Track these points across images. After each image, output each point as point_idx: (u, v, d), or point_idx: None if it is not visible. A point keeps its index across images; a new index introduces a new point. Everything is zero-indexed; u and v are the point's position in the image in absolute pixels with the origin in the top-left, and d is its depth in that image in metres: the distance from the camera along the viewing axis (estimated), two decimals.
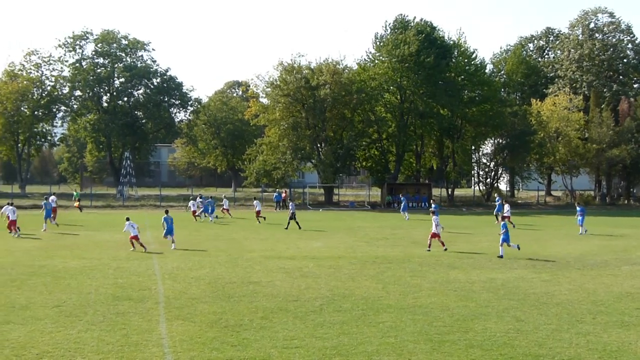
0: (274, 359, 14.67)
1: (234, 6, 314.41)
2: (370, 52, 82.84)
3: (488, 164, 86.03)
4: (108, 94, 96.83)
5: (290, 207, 48.86)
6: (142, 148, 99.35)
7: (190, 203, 57.64)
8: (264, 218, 53.03)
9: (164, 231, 35.68)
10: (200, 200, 59.06)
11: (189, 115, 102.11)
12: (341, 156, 77.02)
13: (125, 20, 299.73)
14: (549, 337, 16.56)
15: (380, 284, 23.83)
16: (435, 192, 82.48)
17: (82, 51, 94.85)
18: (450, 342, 15.95)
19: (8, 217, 39.43)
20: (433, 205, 48.60)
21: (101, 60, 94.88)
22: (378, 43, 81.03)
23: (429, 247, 34.14)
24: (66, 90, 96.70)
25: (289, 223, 46.89)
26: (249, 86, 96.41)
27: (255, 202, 55.10)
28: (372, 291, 22.39)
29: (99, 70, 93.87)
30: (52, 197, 52.59)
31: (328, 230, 46.17)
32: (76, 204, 66.40)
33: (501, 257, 31.23)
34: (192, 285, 23.23)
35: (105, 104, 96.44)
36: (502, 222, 34.56)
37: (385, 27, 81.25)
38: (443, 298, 21.32)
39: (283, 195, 73.28)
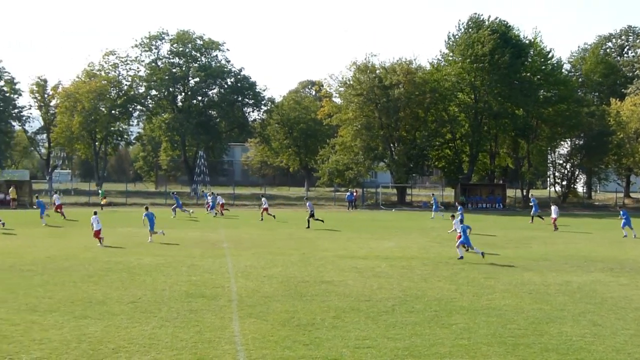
0: (346, 359, 14.62)
1: (309, 6, 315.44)
2: (443, 52, 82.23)
3: (564, 165, 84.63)
4: (183, 94, 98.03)
5: (308, 206, 48.94)
6: (216, 147, 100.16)
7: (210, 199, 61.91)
8: (274, 216, 53.67)
9: (149, 227, 37.17)
10: (212, 197, 62.56)
11: (262, 115, 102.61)
12: (414, 156, 76.64)
13: (200, 21, 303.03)
14: (627, 342, 16.17)
15: (454, 285, 23.60)
16: (510, 192, 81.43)
17: (158, 51, 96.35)
18: (525, 346, 15.68)
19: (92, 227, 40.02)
20: (459, 208, 48.23)
21: (176, 60, 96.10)
22: (451, 43, 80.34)
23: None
24: (142, 89, 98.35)
25: (309, 222, 46.87)
26: (323, 86, 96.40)
27: (263, 199, 56.90)
28: (445, 292, 22.19)
29: (174, 70, 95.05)
30: (56, 196, 56.63)
31: (401, 230, 45.93)
32: (103, 201, 67.30)
33: (461, 258, 30.86)
34: (264, 284, 23.32)
35: (180, 104, 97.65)
36: (460, 225, 33.12)
37: (459, 26, 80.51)
38: (517, 300, 21.00)
39: (355, 195, 73.20)
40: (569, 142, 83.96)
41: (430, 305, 19.98)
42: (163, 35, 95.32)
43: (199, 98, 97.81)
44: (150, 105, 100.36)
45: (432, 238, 40.28)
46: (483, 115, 78.05)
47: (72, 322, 17.39)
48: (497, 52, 73.54)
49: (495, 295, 21.85)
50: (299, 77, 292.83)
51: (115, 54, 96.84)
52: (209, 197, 62.77)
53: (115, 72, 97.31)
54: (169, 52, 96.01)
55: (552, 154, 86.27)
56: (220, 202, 60.07)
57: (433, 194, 68.57)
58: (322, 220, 47.73)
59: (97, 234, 34.96)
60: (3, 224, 44.11)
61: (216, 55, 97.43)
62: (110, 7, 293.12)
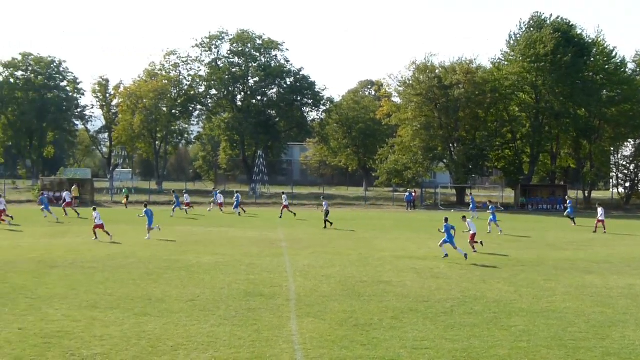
0: None
1: (369, 6, 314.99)
2: (504, 51, 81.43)
3: (628, 166, 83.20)
4: (242, 93, 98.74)
5: (324, 206, 48.79)
6: (275, 146, 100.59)
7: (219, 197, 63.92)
8: (294, 214, 54.56)
9: (147, 222, 37.81)
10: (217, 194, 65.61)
11: (321, 114, 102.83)
12: (473, 156, 76.04)
13: (260, 21, 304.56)
14: None
15: (513, 287, 23.32)
16: (572, 194, 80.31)
17: (218, 51, 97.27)
18: (586, 349, 15.41)
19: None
20: (490, 207, 47.79)
21: (236, 59, 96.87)
22: (512, 42, 79.56)
23: (474, 249, 33.39)
24: (202, 89, 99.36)
25: (325, 222, 46.62)
26: (382, 85, 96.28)
27: (283, 196, 58.15)
28: (504, 294, 21.94)
29: (234, 70, 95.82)
30: (66, 193, 58.07)
31: (459, 231, 45.53)
32: (124, 200, 67.88)
33: (446, 256, 30.73)
34: (322, 283, 23.31)
35: (239, 103, 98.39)
36: (445, 225, 32.56)
37: (520, 25, 79.68)
38: (578, 303, 20.66)
39: (414, 195, 72.87)
40: (633, 143, 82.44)
41: (489, 307, 19.78)
42: (223, 35, 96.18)
43: (258, 98, 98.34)
44: (210, 105, 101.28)
45: (492, 239, 39.88)
46: (544, 115, 77.10)
47: (132, 319, 17.58)
48: (558, 52, 72.61)
49: (555, 297, 21.54)
50: (358, 77, 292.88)
51: (176, 54, 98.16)
52: (219, 195, 64.30)
53: (176, 71, 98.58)
54: (228, 52, 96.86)
55: (616, 155, 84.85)
56: (219, 202, 62.36)
57: (471, 194, 68.17)
58: (331, 223, 46.96)
59: (97, 227, 36.30)
60: (12, 217, 45.23)
61: (275, 55, 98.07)
62: (171, 7, 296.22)
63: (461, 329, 17.08)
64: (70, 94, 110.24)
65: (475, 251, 33.11)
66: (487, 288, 22.96)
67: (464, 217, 36.04)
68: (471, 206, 60.28)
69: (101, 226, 36.35)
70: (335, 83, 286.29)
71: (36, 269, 25.53)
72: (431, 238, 38.83)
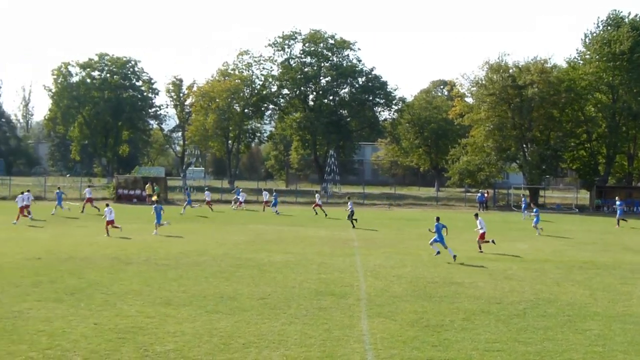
0: None
1: (441, 5, 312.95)
2: (580, 50, 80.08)
3: None
4: (314, 93, 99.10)
5: (349, 206, 48.66)
6: (346, 146, 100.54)
7: (206, 194, 64.36)
8: (316, 213, 55.10)
9: (155, 219, 39.24)
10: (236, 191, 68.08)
11: (393, 114, 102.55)
12: (547, 157, 74.85)
13: (332, 20, 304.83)
14: None
15: (588, 290, 22.91)
16: None
17: (291, 51, 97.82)
18: None
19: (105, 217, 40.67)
20: (534, 210, 46.96)
21: (308, 59, 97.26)
22: (587, 41, 78.17)
23: (480, 249, 33.32)
24: (274, 88, 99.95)
25: (351, 222, 46.58)
26: (454, 85, 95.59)
27: (317, 195, 59.33)
28: (579, 297, 21.57)
29: (306, 69, 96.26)
30: (87, 189, 59.05)
31: (533, 232, 44.97)
32: (154, 197, 68.40)
33: (438, 253, 30.28)
34: (393, 284, 23.24)
35: (311, 103, 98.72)
36: (436, 224, 31.86)
37: (597, 24, 78.26)
38: None
39: (486, 196, 72.14)
40: None
41: (563, 310, 19.47)
42: (296, 35, 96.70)
43: (330, 97, 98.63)
44: (282, 104, 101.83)
45: (566, 241, 39.32)
46: (621, 115, 75.47)
47: (204, 316, 17.76)
48: (636, 50, 71.10)
49: (632, 302, 21.09)
50: (431, 77, 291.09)
51: (249, 54, 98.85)
52: (242, 194, 65.69)
53: (248, 71, 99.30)
54: (301, 52, 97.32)
55: None
56: (241, 200, 63.91)
57: (523, 195, 67.28)
58: (356, 219, 47.25)
59: (109, 223, 37.13)
60: (29, 212, 46.25)
61: (347, 55, 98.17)
62: (244, 7, 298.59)
63: (534, 331, 16.86)
64: (145, 93, 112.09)
65: (481, 251, 32.95)
66: (561, 291, 22.61)
67: (476, 214, 35.99)
68: (523, 206, 60.14)
69: (112, 222, 37.45)
70: (407, 83, 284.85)
71: (111, 265, 26.00)
72: (504, 239, 38.39)
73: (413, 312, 18.79)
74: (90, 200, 55.88)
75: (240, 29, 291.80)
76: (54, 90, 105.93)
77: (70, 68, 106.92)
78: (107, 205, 39.50)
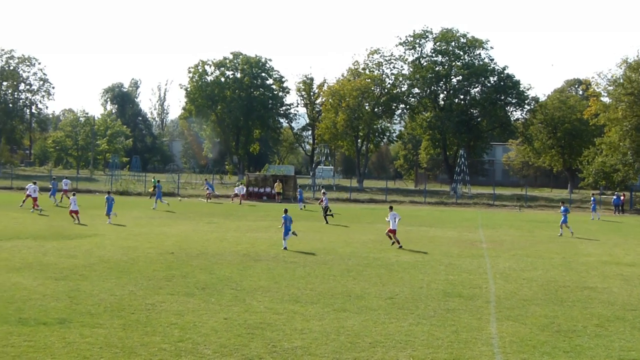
0: None
1: (575, 3, 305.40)
2: None
3: None
4: (445, 92, 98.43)
5: (323, 201, 48.15)
6: (477, 146, 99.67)
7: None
8: (332, 215, 49.15)
9: (107, 209, 40.62)
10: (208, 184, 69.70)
11: (525, 114, 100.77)
12: None
13: (463, 19, 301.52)
14: None
15: None
16: None
17: (422, 49, 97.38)
18: None
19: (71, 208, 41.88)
20: (562, 209, 44.26)
21: (439, 58, 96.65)
22: None
23: (392, 242, 33.19)
24: (405, 87, 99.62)
25: (324, 218, 46.01)
26: (590, 84, 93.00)
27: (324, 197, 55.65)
28: None
29: (437, 69, 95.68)
30: (66, 180, 59.82)
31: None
32: (151, 189, 68.46)
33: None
34: (523, 287, 22.79)
35: (441, 102, 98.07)
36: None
37: None
38: None
39: (622, 198, 69.83)
40: None
41: None
42: (427, 34, 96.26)
43: (461, 97, 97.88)
44: (412, 104, 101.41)
45: None
46: None
47: (332, 314, 17.83)
48: None
49: None
50: (565, 76, 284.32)
51: (379, 53, 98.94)
52: (241, 187, 67.01)
53: (379, 70, 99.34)
54: (432, 51, 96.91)
55: None
56: (241, 193, 65.06)
57: (593, 195, 64.70)
58: (332, 216, 47.03)
59: (72, 212, 40.14)
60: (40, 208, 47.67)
61: (479, 54, 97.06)
62: (373, 6, 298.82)
63: None
64: (276, 92, 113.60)
65: (394, 243, 33.06)
66: None
67: (390, 207, 36.76)
68: (592, 207, 58.73)
69: (76, 212, 39.98)
70: (540, 82, 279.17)
71: (241, 261, 26.43)
72: None
73: (544, 316, 18.37)
74: (65, 191, 56.61)
75: (371, 28, 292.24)
76: (189, 89, 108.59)
77: (206, 67, 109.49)
78: (74, 194, 42.65)
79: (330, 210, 47.67)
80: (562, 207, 44.39)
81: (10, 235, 32.71)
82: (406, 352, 14.58)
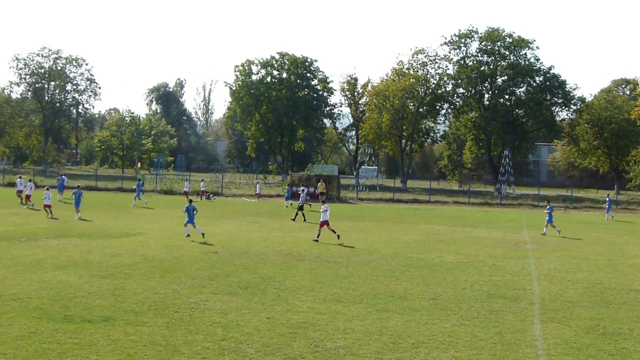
0: None
1: (623, 3, 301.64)
2: None
3: None
4: (490, 92, 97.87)
5: (301, 197, 47.63)
6: (522, 147, 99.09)
7: (201, 184, 69.41)
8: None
9: (74, 203, 42.29)
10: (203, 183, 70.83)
11: (571, 114, 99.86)
12: None
13: (510, 19, 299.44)
14: None
15: None
16: None
17: (467, 49, 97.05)
18: None
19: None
20: (548, 207, 43.14)
21: (485, 58, 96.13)
22: None
23: (318, 236, 33.44)
24: (449, 87, 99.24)
25: (302, 215, 45.11)
26: (637, 84, 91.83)
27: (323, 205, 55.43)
28: None
29: (482, 68, 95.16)
30: (62, 177, 60.54)
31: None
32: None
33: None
34: (568, 288, 22.55)
35: (486, 102, 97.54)
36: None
37: None
38: None
39: None
40: None
41: None
42: (472, 34, 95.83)
43: (506, 97, 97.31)
44: (457, 103, 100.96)
45: None
46: None
47: (374, 314, 17.79)
48: None
49: None
50: (612, 76, 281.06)
51: (424, 53, 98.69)
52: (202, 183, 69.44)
53: (423, 70, 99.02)
54: (477, 50, 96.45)
55: None
56: (202, 189, 66.35)
57: (608, 195, 63.62)
58: (303, 217, 45.41)
59: (46, 206, 41.57)
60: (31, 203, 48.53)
61: (525, 54, 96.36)
62: (419, 6, 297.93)
63: None
64: (320, 92, 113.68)
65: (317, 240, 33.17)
66: None
67: (323, 201, 37.63)
68: (607, 207, 58.33)
69: (49, 206, 41.55)
70: (587, 82, 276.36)
71: (284, 261, 26.50)
72: None
73: (589, 318, 18.16)
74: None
75: (415, 28, 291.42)
76: (234, 88, 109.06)
77: (252, 66, 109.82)
78: (47, 189, 44.39)
79: (303, 210, 46.26)
80: (547, 206, 43.56)
81: (57, 233, 33.18)
82: (449, 354, 14.50)
